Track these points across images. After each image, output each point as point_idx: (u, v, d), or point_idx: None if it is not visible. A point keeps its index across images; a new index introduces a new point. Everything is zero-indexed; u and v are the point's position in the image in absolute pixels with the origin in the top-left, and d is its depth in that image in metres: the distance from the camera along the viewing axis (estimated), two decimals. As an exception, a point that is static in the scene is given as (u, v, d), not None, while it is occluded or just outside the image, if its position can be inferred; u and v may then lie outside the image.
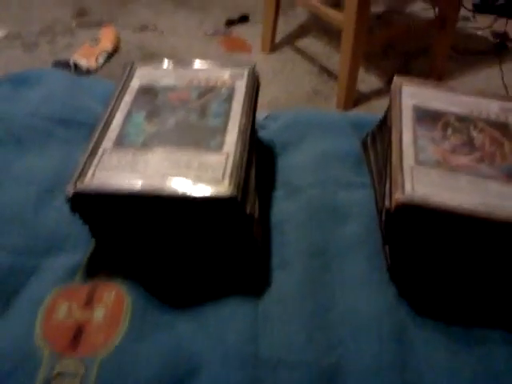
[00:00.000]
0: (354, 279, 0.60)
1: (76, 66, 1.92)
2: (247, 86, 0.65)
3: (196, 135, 0.59)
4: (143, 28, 2.28)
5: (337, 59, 1.91)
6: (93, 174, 0.54)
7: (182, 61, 0.69)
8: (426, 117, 0.66)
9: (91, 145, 0.57)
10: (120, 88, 0.65)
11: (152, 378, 0.51)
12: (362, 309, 0.58)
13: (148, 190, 0.53)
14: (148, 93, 0.64)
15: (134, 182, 0.53)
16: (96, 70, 1.97)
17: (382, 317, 0.57)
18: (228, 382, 0.51)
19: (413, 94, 0.69)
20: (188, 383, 0.51)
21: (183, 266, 0.59)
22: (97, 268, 0.59)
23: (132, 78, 0.66)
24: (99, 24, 2.24)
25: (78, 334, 0.52)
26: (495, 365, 0.53)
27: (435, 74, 2.03)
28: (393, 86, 0.70)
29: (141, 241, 0.59)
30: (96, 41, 2.07)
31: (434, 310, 0.58)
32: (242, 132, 0.59)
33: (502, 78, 1.96)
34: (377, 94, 1.96)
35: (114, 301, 0.55)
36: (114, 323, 0.53)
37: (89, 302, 0.55)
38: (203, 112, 0.62)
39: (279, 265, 0.61)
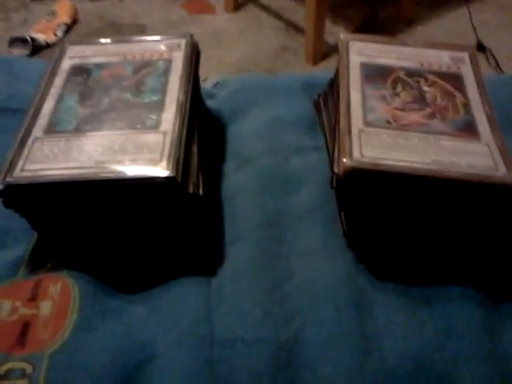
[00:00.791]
0: (309, 248, 0.59)
1: (34, 41, 1.85)
2: (185, 57, 0.62)
3: (131, 114, 0.56)
4: (101, -3, 2.20)
5: (303, 13, 1.87)
6: (22, 166, 0.51)
7: (118, 37, 0.66)
8: (375, 74, 0.64)
9: (20, 135, 0.54)
10: (49, 71, 0.61)
11: (104, 368, 0.49)
12: (319, 277, 0.56)
13: (81, 177, 0.50)
14: (80, 73, 0.61)
15: (67, 171, 0.51)
16: (56, 44, 1.91)
17: (340, 284, 0.56)
18: (184, 365, 0.50)
19: (360, 51, 0.67)
20: (143, 370, 0.50)
21: (131, 250, 0.58)
22: (40, 261, 0.57)
23: (62, 58, 0.63)
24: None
25: (24, 331, 0.50)
26: (454, 321, 0.53)
27: (403, 20, 2.00)
28: (339, 43, 0.68)
29: (84, 229, 0.57)
30: (52, 14, 1.99)
31: (393, 272, 0.57)
32: (180, 107, 0.56)
33: (470, 19, 1.93)
34: (345, 45, 1.92)
35: (60, 293, 0.53)
36: (61, 316, 0.52)
37: (34, 297, 0.52)
38: (139, 89, 0.59)
39: (232, 240, 0.60)
